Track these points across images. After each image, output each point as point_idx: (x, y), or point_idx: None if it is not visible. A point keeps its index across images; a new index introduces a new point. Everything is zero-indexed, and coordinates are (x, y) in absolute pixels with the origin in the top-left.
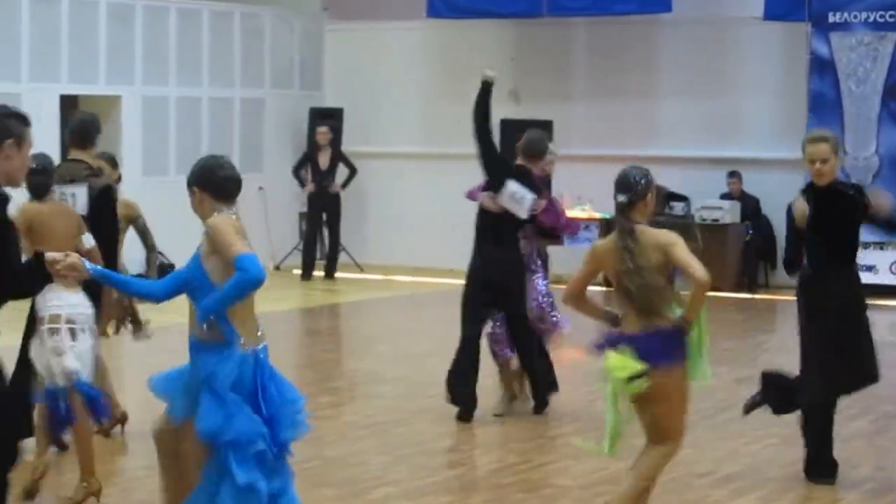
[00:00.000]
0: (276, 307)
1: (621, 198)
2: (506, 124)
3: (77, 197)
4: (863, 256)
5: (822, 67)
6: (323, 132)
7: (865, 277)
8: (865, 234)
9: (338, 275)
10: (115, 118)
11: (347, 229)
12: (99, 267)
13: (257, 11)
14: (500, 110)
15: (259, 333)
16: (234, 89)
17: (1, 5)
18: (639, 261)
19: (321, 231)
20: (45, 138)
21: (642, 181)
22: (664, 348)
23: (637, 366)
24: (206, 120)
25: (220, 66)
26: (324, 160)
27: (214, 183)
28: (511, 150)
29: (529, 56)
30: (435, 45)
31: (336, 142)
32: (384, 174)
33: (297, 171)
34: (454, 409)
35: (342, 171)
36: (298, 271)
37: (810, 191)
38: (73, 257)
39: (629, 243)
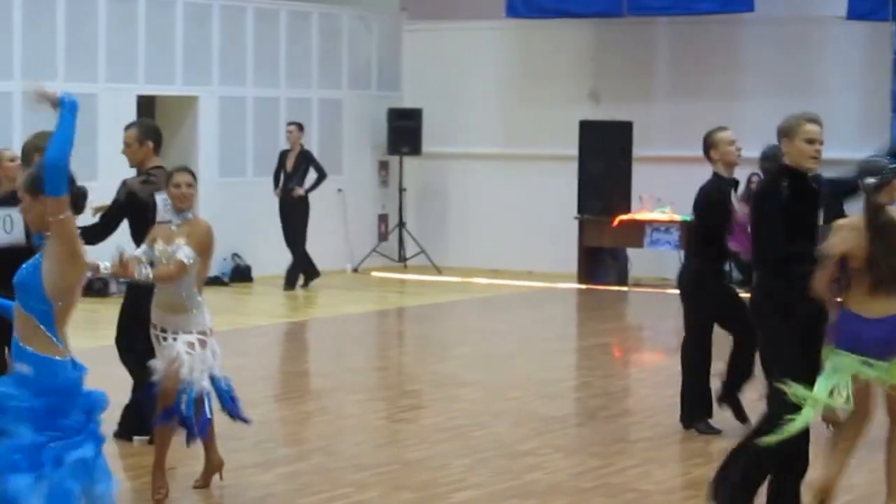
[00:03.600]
0: (353, 309)
1: (870, 180)
2: (585, 125)
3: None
4: None
5: None
6: (291, 130)
7: None
8: None
9: (416, 276)
10: (192, 119)
11: (426, 231)
12: None
13: (335, 11)
14: (580, 111)
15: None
16: (312, 90)
17: (78, 6)
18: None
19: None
20: (123, 139)
21: (890, 166)
22: None
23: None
24: (284, 121)
25: (297, 66)
26: (290, 162)
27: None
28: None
29: (609, 56)
30: (514, 45)
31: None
32: (463, 175)
33: (276, 175)
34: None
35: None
36: (377, 273)
37: (789, 176)
38: None
39: (882, 221)
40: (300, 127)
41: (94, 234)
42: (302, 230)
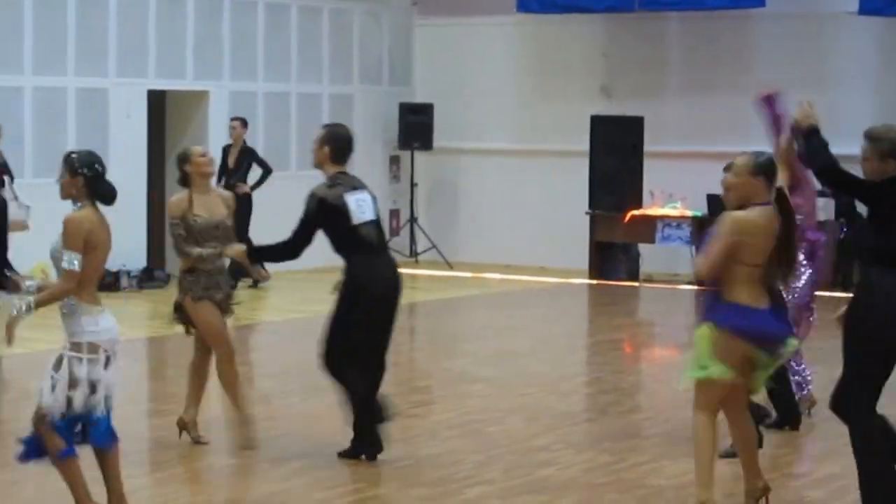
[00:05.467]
0: None
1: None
2: (596, 121)
3: (367, 203)
4: None
5: None
6: (233, 126)
7: None
8: None
9: (428, 272)
10: (203, 114)
11: (437, 226)
12: None
13: (346, 7)
14: (591, 107)
15: None
16: (323, 85)
17: (89, 0)
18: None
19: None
20: (133, 133)
21: None
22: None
23: None
24: (295, 116)
25: (308, 61)
26: (231, 158)
27: None
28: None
29: (621, 51)
30: (525, 40)
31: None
32: (474, 171)
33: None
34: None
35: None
36: None
37: None
38: None
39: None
40: (244, 123)
41: (286, 252)
42: (246, 227)
